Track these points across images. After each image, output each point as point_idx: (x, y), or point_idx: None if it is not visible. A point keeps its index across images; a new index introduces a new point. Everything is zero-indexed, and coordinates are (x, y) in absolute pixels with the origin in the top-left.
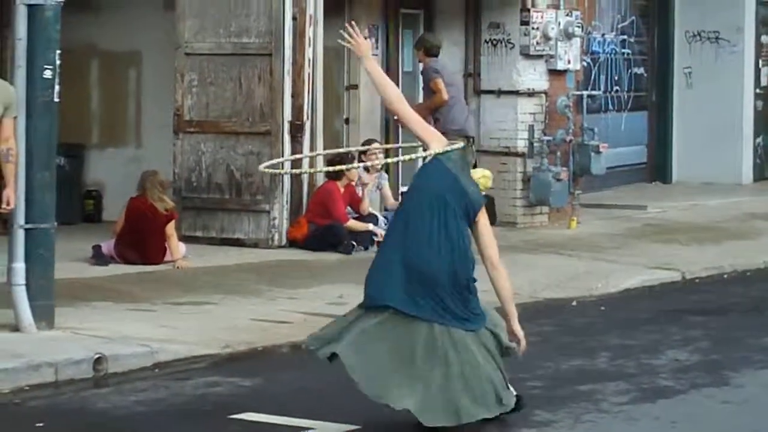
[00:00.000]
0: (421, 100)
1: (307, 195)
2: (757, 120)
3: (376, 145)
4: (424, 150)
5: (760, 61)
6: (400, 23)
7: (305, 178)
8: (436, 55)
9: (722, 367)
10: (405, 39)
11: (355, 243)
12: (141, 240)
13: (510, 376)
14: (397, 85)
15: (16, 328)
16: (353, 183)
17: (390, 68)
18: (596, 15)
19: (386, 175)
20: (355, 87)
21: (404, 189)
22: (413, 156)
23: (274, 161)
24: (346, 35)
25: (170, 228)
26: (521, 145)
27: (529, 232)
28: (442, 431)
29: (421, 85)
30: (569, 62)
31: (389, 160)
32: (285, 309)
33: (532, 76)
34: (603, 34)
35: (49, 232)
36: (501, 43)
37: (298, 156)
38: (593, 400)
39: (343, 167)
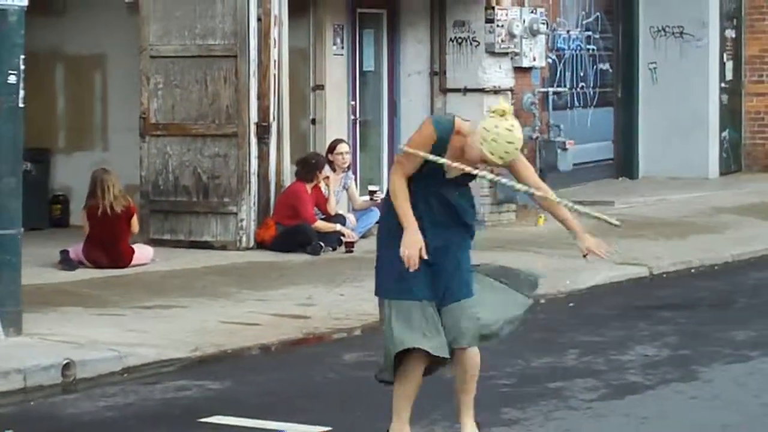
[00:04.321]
0: (385, 98)
1: (275, 196)
2: (723, 114)
3: (343, 145)
4: None
5: (725, 56)
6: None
7: (272, 179)
8: None
9: (691, 362)
10: (366, 38)
11: (323, 244)
12: (108, 243)
13: (480, 375)
14: (357, 84)
15: None
16: (320, 183)
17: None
18: (561, 12)
19: (353, 176)
20: (321, 87)
21: (372, 187)
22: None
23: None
24: None
25: (134, 225)
26: None
27: (497, 230)
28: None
29: None
30: (534, 59)
31: None
32: (254, 311)
33: (498, 74)
34: (568, 31)
35: (16, 237)
36: (466, 41)
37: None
38: (562, 397)
39: None
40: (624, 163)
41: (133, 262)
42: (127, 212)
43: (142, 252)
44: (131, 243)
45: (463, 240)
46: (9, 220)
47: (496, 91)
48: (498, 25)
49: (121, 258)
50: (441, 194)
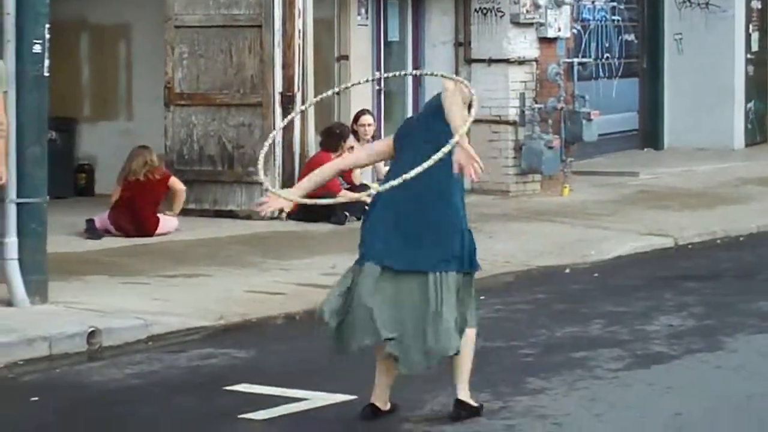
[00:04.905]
0: (410, 69)
1: (299, 166)
2: (748, 85)
3: (367, 116)
4: None
5: (751, 26)
6: None
7: (297, 149)
8: None
9: (716, 332)
10: (390, 9)
11: (347, 213)
12: (135, 211)
13: (503, 345)
14: (381, 54)
15: (9, 302)
16: (345, 153)
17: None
18: None
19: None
20: (346, 58)
21: None
22: None
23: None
24: None
25: (175, 183)
26: (512, 114)
27: (522, 200)
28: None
29: None
30: (559, 30)
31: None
32: (278, 280)
33: (523, 45)
34: (593, 1)
35: (42, 206)
36: (491, 11)
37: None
38: (587, 366)
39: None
40: (649, 133)
41: (158, 231)
42: (160, 182)
43: (168, 221)
44: (177, 208)
45: None
46: (34, 188)
47: (521, 62)
48: None
49: (146, 226)
50: None
